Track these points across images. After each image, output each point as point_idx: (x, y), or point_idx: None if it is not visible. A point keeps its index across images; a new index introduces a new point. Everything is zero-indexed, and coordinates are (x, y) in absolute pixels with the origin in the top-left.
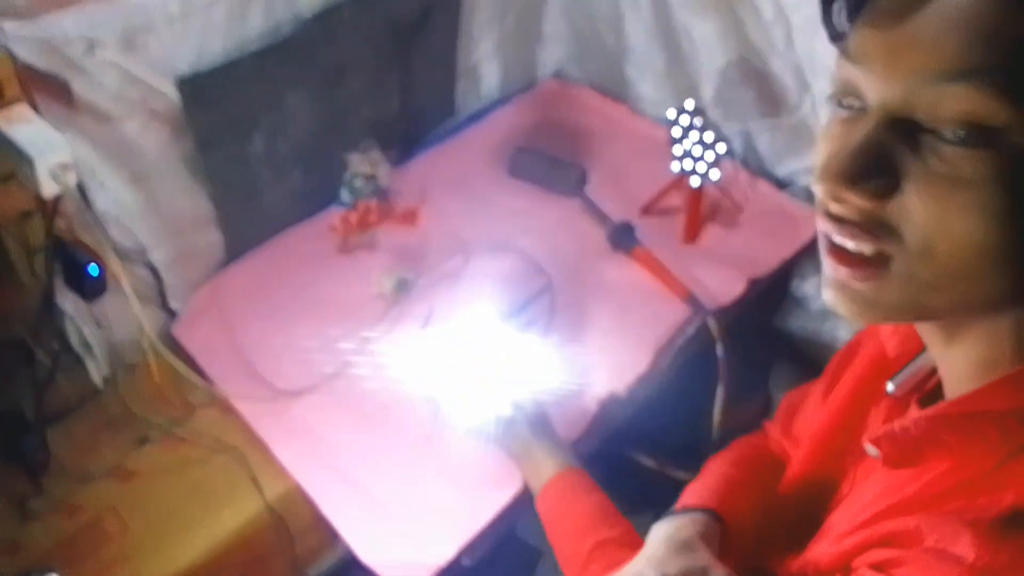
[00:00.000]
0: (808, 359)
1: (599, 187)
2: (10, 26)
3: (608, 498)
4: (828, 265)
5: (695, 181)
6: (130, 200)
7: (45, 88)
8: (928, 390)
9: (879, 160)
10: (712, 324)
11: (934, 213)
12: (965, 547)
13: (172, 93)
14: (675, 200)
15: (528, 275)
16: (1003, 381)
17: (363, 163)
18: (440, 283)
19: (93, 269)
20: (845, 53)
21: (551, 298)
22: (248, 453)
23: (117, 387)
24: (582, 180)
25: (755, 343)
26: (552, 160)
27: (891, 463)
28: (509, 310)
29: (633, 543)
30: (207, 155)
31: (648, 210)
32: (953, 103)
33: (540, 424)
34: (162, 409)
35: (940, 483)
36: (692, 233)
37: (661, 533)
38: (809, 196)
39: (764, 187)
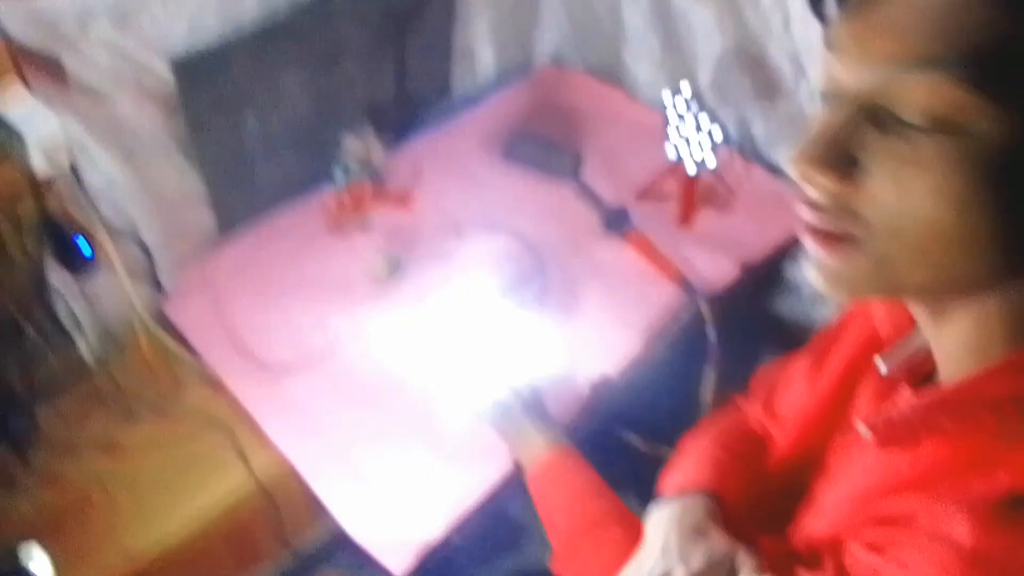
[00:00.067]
0: (799, 343)
1: (594, 171)
2: (2, 3)
3: (599, 475)
4: (806, 244)
5: (690, 166)
6: (121, 178)
7: (37, 66)
8: (921, 372)
9: (846, 145)
10: (705, 308)
11: (900, 197)
12: (962, 532)
13: (165, 72)
14: (670, 185)
15: (522, 258)
16: (1000, 368)
17: (357, 145)
18: (433, 265)
19: (84, 246)
20: (826, 43)
21: (545, 281)
22: (237, 429)
23: (107, 363)
24: (577, 164)
25: (747, 327)
26: (548, 144)
27: (885, 445)
28: (502, 291)
29: (623, 519)
30: (200, 134)
31: (643, 195)
32: (920, 91)
33: (533, 404)
34: (151, 385)
35: (934, 465)
36: (686, 218)
37: (664, 519)
38: None
39: (758, 172)
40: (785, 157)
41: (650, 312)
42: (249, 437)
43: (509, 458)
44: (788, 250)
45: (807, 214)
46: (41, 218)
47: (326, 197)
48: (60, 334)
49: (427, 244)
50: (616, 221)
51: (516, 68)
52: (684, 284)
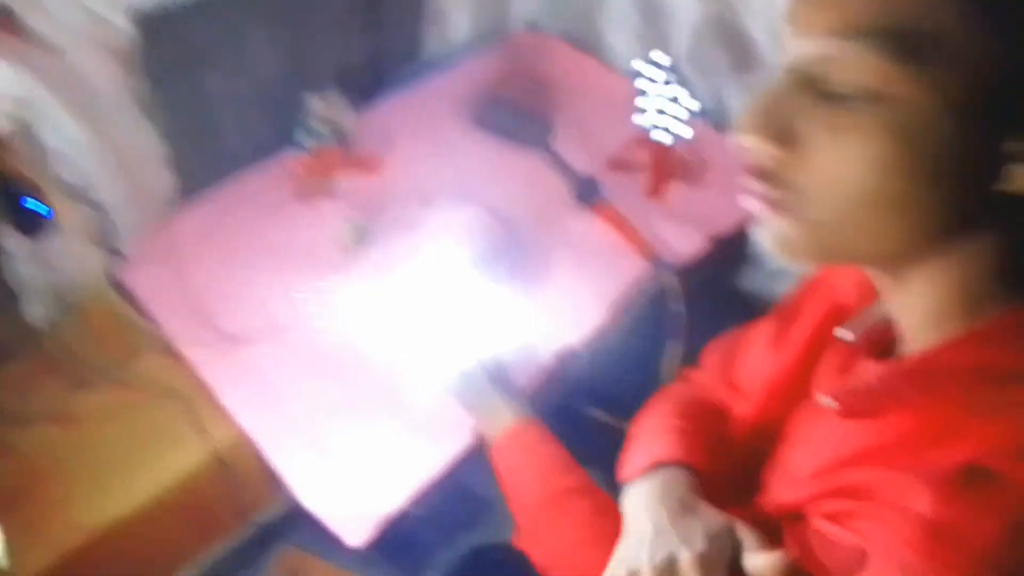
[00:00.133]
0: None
1: (566, 140)
2: None
3: (564, 448)
4: (752, 209)
5: (662, 137)
6: (79, 136)
7: None
8: (883, 342)
9: (786, 114)
10: (671, 280)
11: (831, 165)
12: (922, 502)
13: (126, 26)
14: (641, 156)
15: (491, 228)
16: (963, 339)
17: (324, 107)
18: (400, 232)
19: (37, 206)
20: (784, 15)
21: (513, 252)
22: (194, 399)
23: (60, 330)
24: (549, 133)
25: (713, 302)
26: (519, 112)
27: (848, 416)
28: (470, 261)
29: (589, 492)
30: (161, 93)
31: (614, 165)
32: (848, 61)
33: (498, 376)
34: (106, 353)
35: (896, 435)
36: (657, 189)
37: (644, 498)
38: None
39: (731, 145)
40: None
41: (617, 284)
42: (207, 408)
43: (471, 431)
44: (754, 224)
45: (751, 180)
46: None
47: (292, 161)
48: (10, 298)
49: (395, 212)
50: (586, 191)
51: (490, 33)
52: (652, 257)
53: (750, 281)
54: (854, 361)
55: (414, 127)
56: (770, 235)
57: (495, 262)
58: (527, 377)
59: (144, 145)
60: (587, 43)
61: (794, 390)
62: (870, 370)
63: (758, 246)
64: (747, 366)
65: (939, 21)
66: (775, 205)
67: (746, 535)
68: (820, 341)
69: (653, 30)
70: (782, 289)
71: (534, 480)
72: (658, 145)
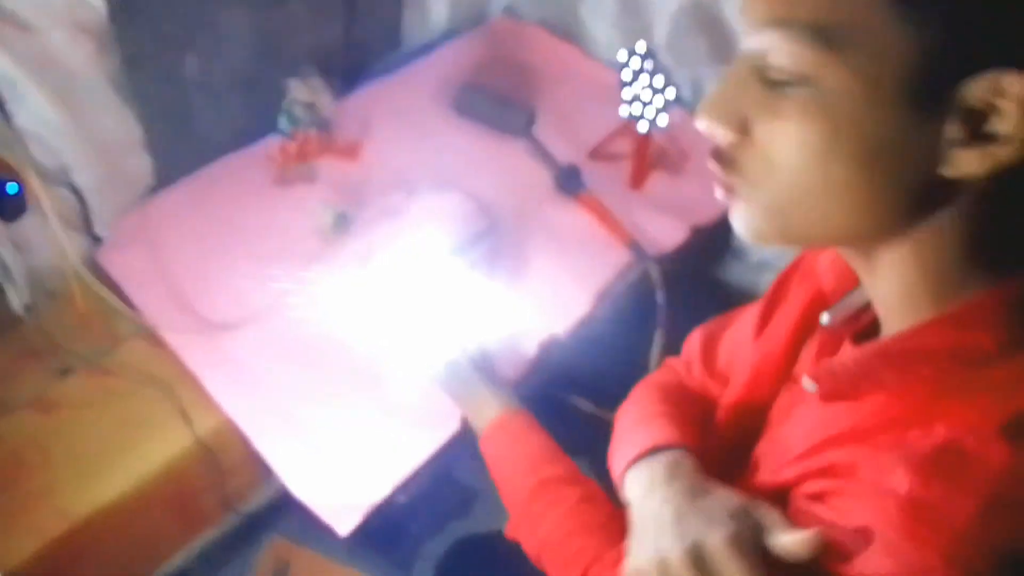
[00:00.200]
0: None
1: (547, 129)
2: None
3: (551, 437)
4: (717, 193)
5: (643, 126)
6: (53, 117)
7: None
8: (862, 326)
9: (738, 101)
10: (653, 270)
11: (774, 150)
12: (901, 481)
13: (100, 4)
14: (623, 145)
15: (472, 215)
16: (937, 320)
17: (303, 90)
18: (381, 220)
19: (12, 188)
20: None
21: (495, 240)
22: (177, 386)
23: (38, 315)
24: (530, 121)
25: (695, 292)
26: (500, 100)
27: (828, 398)
28: (452, 250)
29: (576, 481)
30: (136, 73)
31: (595, 154)
32: (777, 49)
33: (483, 366)
34: (86, 339)
35: (874, 416)
36: (638, 179)
37: (648, 480)
38: None
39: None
40: None
41: (599, 273)
42: (190, 394)
43: (457, 419)
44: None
45: (713, 164)
46: None
47: (271, 146)
48: None
49: (375, 199)
50: (568, 180)
51: (470, 18)
52: (633, 246)
53: (733, 273)
54: (837, 346)
55: (393, 113)
56: (737, 220)
57: (476, 250)
58: (510, 364)
59: (120, 127)
60: (565, 30)
61: (779, 375)
62: (848, 352)
63: (739, 237)
64: (731, 352)
65: (852, 12)
66: (732, 190)
67: (767, 513)
68: (805, 326)
69: (632, 18)
70: (766, 281)
71: (522, 469)
72: (639, 134)
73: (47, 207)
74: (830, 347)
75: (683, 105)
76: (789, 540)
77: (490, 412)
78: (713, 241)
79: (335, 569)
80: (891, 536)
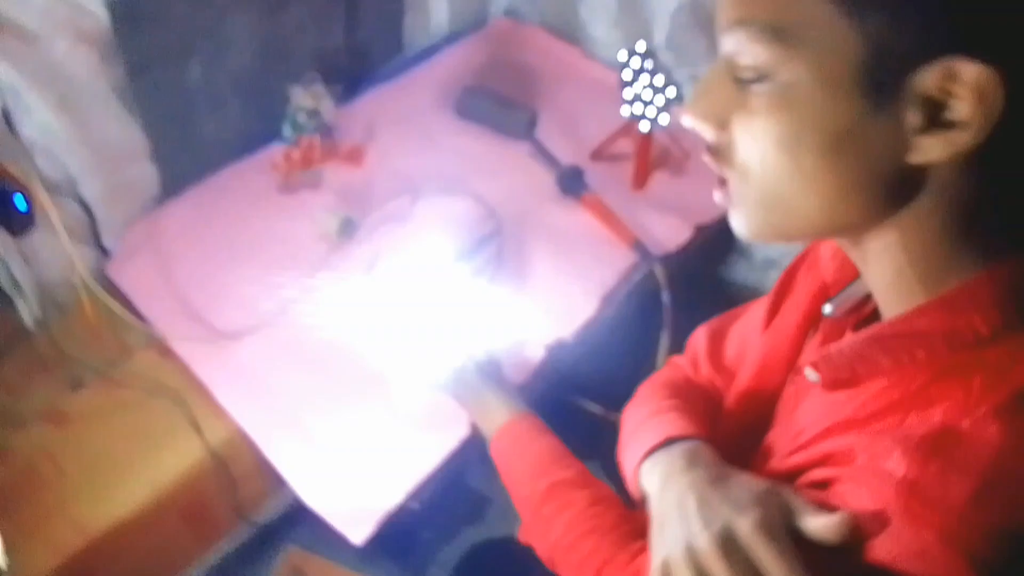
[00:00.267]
0: None
1: (549, 130)
2: None
3: (560, 441)
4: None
5: (645, 126)
6: (58, 128)
7: None
8: (864, 316)
9: (719, 98)
10: (658, 271)
11: (742, 143)
12: (896, 463)
13: (102, 13)
14: (625, 146)
15: (476, 219)
16: (930, 305)
17: (306, 97)
18: (386, 225)
19: (20, 202)
20: None
21: (499, 242)
22: (188, 396)
23: (48, 328)
24: (532, 123)
25: (701, 292)
26: (502, 102)
27: (829, 386)
28: (457, 254)
29: (587, 483)
30: (139, 82)
31: (597, 155)
32: (742, 48)
33: (491, 371)
34: (97, 351)
35: (873, 403)
36: (641, 179)
37: (666, 469)
38: None
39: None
40: None
41: (604, 274)
42: (201, 404)
43: (468, 424)
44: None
45: (708, 158)
46: None
47: (275, 153)
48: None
49: (380, 204)
50: (571, 182)
51: (470, 20)
52: (638, 246)
53: (738, 272)
54: (840, 336)
55: (396, 117)
56: (733, 220)
57: (481, 255)
58: (517, 369)
59: (125, 137)
60: (565, 31)
61: (787, 366)
62: (846, 339)
63: (747, 241)
64: (739, 345)
65: (802, 10)
66: (726, 186)
67: (793, 497)
68: (811, 317)
69: (632, 18)
70: (771, 279)
71: (532, 473)
72: (641, 134)
73: (55, 220)
74: (833, 337)
75: (683, 104)
76: (819, 523)
77: (498, 417)
78: (717, 240)
79: None
80: (889, 518)
